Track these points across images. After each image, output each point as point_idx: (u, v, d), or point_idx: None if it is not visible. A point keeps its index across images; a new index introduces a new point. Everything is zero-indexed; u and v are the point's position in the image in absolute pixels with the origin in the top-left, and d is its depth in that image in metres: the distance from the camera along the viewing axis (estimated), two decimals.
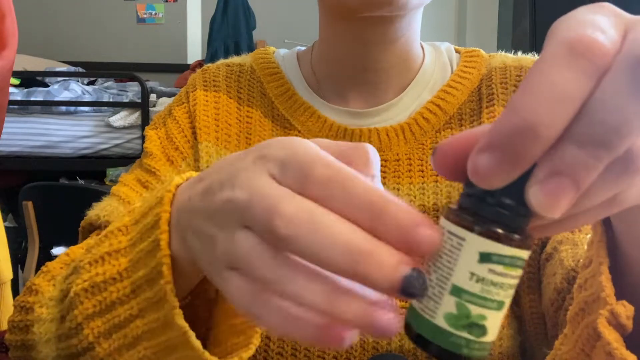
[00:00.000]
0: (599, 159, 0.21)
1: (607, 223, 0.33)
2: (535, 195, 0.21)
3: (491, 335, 0.24)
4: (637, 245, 0.31)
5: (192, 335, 0.31)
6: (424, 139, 0.56)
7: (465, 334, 0.23)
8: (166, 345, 0.33)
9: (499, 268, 0.23)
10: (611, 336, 0.29)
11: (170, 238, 0.32)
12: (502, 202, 0.23)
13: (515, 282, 0.24)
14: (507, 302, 0.24)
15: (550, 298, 0.49)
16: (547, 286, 0.50)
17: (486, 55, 0.61)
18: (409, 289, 0.22)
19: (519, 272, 0.24)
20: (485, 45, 0.68)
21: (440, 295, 0.23)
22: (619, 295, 0.30)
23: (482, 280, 0.23)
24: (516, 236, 0.23)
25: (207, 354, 0.32)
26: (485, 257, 0.23)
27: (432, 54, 0.61)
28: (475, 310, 0.23)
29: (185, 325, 0.31)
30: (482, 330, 0.23)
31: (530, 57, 0.60)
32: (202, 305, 0.39)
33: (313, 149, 0.25)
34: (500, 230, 0.23)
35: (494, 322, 0.24)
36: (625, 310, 0.29)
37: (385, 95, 0.58)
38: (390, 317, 0.23)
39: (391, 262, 0.22)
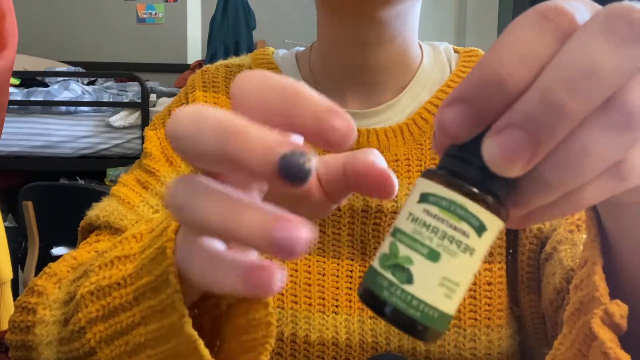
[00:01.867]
0: (560, 111, 0.20)
1: (600, 224, 0.33)
2: (488, 146, 0.21)
3: (419, 288, 0.22)
4: (629, 244, 0.31)
5: (201, 343, 0.31)
6: (422, 139, 0.56)
7: (389, 275, 0.22)
8: (171, 353, 0.32)
9: (434, 209, 0.22)
10: (605, 336, 0.29)
11: (177, 246, 0.31)
12: (460, 153, 0.22)
13: (457, 235, 0.22)
14: (445, 257, 0.22)
15: (549, 298, 0.49)
16: (546, 286, 0.50)
17: (484, 54, 0.61)
18: (288, 170, 0.19)
19: (463, 226, 0.21)
20: (485, 45, 0.67)
21: (385, 239, 0.23)
22: (615, 295, 0.30)
23: (415, 220, 0.22)
24: (468, 186, 0.21)
25: None
26: (423, 197, 0.22)
27: (431, 54, 0.61)
28: (403, 251, 0.22)
29: (194, 333, 0.31)
30: (406, 275, 0.22)
31: None
32: (208, 319, 0.39)
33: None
34: (442, 172, 0.22)
35: (423, 273, 0.22)
36: (619, 309, 0.29)
37: (383, 95, 0.58)
38: (296, 229, 0.20)
39: (268, 141, 0.20)
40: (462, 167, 0.22)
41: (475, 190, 0.21)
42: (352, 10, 0.53)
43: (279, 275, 0.21)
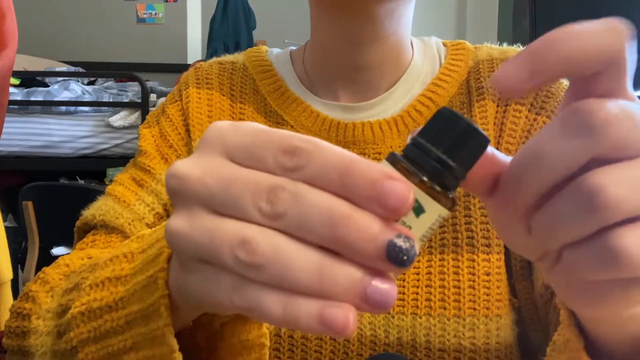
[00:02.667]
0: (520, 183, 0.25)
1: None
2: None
3: None
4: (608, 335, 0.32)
5: None
6: None
7: None
8: None
9: None
10: None
11: (171, 274, 0.31)
12: (420, 144, 0.25)
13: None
14: None
15: (539, 292, 0.50)
16: (536, 279, 0.51)
17: (472, 47, 0.62)
18: (396, 254, 0.21)
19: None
20: None
21: None
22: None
23: None
24: (419, 174, 0.24)
25: None
26: None
27: (421, 48, 0.62)
28: None
29: None
30: None
31: (516, 48, 0.61)
32: (203, 335, 0.38)
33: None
34: (402, 159, 0.25)
35: None
36: None
37: (376, 92, 0.59)
38: (386, 285, 0.22)
39: (375, 226, 0.22)
40: (420, 156, 0.25)
41: (424, 178, 0.24)
42: (343, 8, 0.53)
43: (352, 315, 0.22)
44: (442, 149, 0.24)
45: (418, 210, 0.24)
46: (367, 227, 0.21)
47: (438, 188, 0.24)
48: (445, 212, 0.25)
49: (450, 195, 0.25)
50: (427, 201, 0.24)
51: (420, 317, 0.51)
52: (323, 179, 0.23)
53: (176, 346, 0.31)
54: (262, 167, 0.24)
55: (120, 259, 0.37)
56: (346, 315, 0.21)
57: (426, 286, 0.52)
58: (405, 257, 0.21)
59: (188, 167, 0.25)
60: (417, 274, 0.53)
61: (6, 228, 0.88)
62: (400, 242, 0.21)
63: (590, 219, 0.22)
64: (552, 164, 0.23)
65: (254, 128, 0.25)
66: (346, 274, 0.22)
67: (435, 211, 0.24)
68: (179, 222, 0.25)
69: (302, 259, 0.22)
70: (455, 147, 0.24)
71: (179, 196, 0.25)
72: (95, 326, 0.35)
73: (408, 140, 0.26)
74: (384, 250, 0.21)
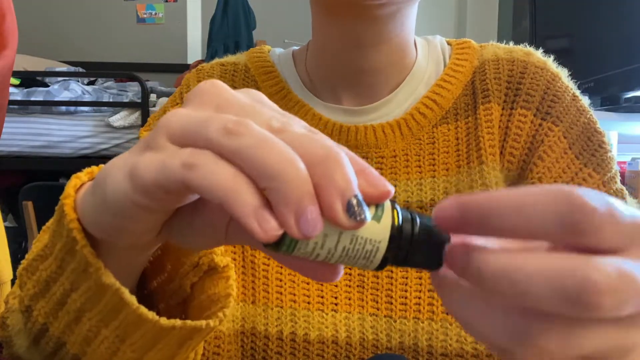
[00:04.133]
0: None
1: None
2: None
3: None
4: None
5: (125, 291, 0.31)
6: (420, 134, 0.56)
7: None
8: (107, 310, 0.33)
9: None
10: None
11: (82, 197, 0.31)
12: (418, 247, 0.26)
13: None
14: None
15: None
16: None
17: (477, 46, 0.60)
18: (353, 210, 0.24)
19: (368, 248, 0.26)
20: None
21: None
22: None
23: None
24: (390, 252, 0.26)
25: (142, 308, 0.32)
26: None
27: (425, 48, 0.61)
28: None
29: (116, 282, 0.31)
30: None
31: (522, 48, 0.59)
32: (176, 306, 0.39)
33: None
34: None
35: None
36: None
37: (379, 95, 0.58)
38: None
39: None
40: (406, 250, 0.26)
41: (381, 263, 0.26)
42: (344, 11, 0.52)
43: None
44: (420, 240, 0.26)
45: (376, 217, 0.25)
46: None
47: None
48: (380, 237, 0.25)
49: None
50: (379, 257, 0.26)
51: (423, 322, 0.51)
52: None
53: (100, 264, 0.31)
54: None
55: (45, 230, 0.38)
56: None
57: (428, 290, 0.52)
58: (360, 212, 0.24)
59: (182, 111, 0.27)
60: (420, 278, 0.52)
61: (6, 228, 0.87)
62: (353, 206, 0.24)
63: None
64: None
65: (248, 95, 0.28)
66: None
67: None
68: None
69: (282, 148, 0.24)
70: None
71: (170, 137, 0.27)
72: (36, 279, 0.35)
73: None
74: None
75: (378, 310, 0.52)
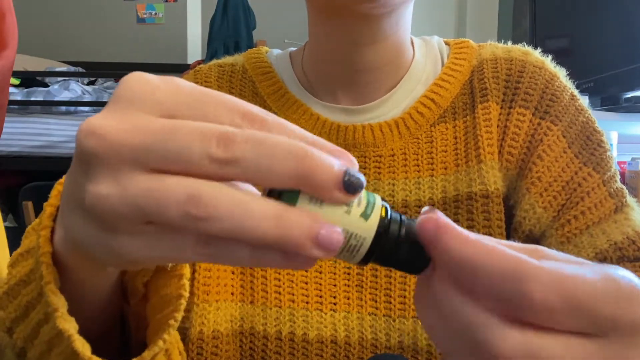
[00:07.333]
0: None
1: None
2: None
3: None
4: None
5: (76, 339, 0.30)
6: (418, 133, 0.56)
7: None
8: (67, 353, 0.31)
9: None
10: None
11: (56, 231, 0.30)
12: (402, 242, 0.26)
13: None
14: None
15: None
16: None
17: (475, 45, 0.60)
18: (351, 182, 0.24)
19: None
20: None
21: None
22: None
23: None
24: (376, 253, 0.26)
25: (94, 358, 0.30)
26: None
27: (422, 48, 0.61)
28: None
29: (70, 329, 0.30)
30: None
31: (520, 48, 0.59)
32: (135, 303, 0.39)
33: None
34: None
35: None
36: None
37: (376, 94, 0.58)
38: (335, 228, 0.24)
39: (331, 160, 0.24)
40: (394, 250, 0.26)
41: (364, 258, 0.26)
42: (340, 11, 0.52)
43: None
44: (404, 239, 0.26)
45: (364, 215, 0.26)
46: (327, 159, 0.24)
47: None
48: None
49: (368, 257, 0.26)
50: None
51: None
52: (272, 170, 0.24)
53: (58, 305, 0.30)
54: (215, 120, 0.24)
55: (30, 232, 0.37)
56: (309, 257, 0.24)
57: None
58: (358, 183, 0.24)
59: (111, 122, 0.23)
60: None
61: (6, 228, 0.87)
62: (354, 171, 0.24)
63: None
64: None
65: (196, 87, 0.25)
66: (299, 219, 0.23)
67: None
68: (105, 187, 0.23)
69: (259, 208, 0.23)
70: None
71: (100, 157, 0.23)
72: (17, 304, 0.35)
73: None
74: (341, 178, 0.24)
75: (377, 309, 0.52)
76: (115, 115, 0.24)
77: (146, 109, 0.24)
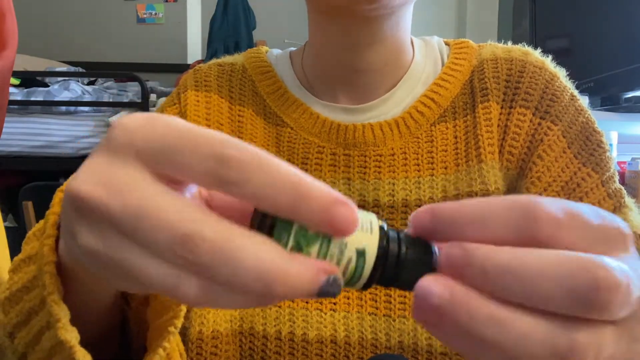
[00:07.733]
0: None
1: None
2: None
3: None
4: None
5: (77, 351, 0.30)
6: (418, 132, 0.56)
7: None
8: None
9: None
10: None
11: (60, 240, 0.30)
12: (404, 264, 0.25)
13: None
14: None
15: None
16: None
17: (475, 45, 0.61)
18: (326, 293, 0.23)
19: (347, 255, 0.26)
20: None
21: None
22: None
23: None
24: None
25: None
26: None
27: (422, 48, 0.61)
28: None
29: (72, 340, 0.30)
30: None
31: (520, 48, 0.59)
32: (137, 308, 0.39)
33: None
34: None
35: None
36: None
37: (376, 94, 0.58)
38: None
39: (307, 276, 0.22)
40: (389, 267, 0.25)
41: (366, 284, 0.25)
42: (339, 12, 0.52)
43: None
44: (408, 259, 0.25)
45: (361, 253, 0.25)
46: (300, 280, 0.22)
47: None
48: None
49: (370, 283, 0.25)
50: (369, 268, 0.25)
51: None
52: (269, 200, 0.22)
53: (60, 315, 0.30)
54: (186, 176, 0.23)
55: (31, 238, 0.37)
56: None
57: None
58: (334, 293, 0.23)
59: (90, 186, 0.24)
60: None
61: (6, 228, 0.87)
62: (328, 287, 0.23)
63: None
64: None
65: (172, 126, 0.23)
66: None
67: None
68: (90, 240, 0.23)
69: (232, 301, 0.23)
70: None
71: (85, 218, 0.23)
72: (19, 310, 0.35)
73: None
74: (316, 291, 0.22)
75: (377, 309, 0.52)
76: (98, 170, 0.24)
77: (127, 157, 0.24)
